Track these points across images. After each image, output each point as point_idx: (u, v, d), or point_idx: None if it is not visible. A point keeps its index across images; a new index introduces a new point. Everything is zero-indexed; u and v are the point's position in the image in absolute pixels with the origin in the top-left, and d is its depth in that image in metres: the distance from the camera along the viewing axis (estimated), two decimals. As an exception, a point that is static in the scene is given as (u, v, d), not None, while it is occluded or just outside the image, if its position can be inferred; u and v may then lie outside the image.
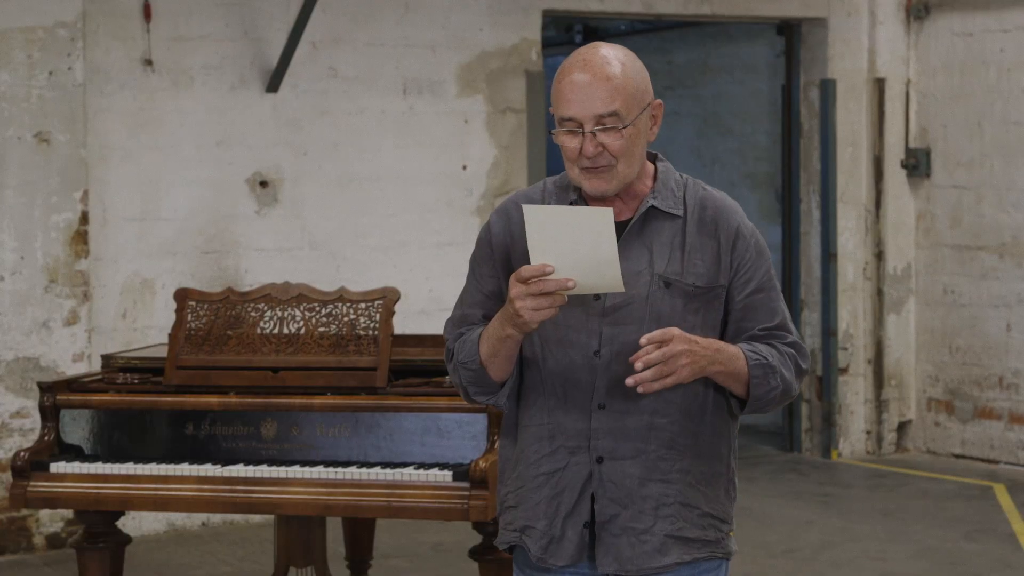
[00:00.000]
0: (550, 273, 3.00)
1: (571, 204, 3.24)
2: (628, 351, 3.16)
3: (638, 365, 3.04)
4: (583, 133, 3.13)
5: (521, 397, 3.30)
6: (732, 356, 3.17)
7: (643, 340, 3.05)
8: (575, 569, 3.26)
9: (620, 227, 3.17)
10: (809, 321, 10.12)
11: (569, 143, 3.15)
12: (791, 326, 3.30)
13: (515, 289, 3.04)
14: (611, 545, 3.22)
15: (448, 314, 3.41)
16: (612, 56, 3.15)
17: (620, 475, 3.20)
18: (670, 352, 3.04)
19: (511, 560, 3.95)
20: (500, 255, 3.29)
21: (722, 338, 3.25)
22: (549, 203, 3.27)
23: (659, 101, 3.24)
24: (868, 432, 10.19)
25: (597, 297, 3.18)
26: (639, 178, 3.23)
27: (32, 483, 5.01)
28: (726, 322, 3.27)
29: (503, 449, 3.38)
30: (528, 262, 3.05)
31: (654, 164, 3.29)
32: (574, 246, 2.99)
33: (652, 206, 3.22)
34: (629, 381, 3.06)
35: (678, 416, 3.22)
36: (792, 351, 3.27)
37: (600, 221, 2.98)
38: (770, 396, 3.22)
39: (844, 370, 10.08)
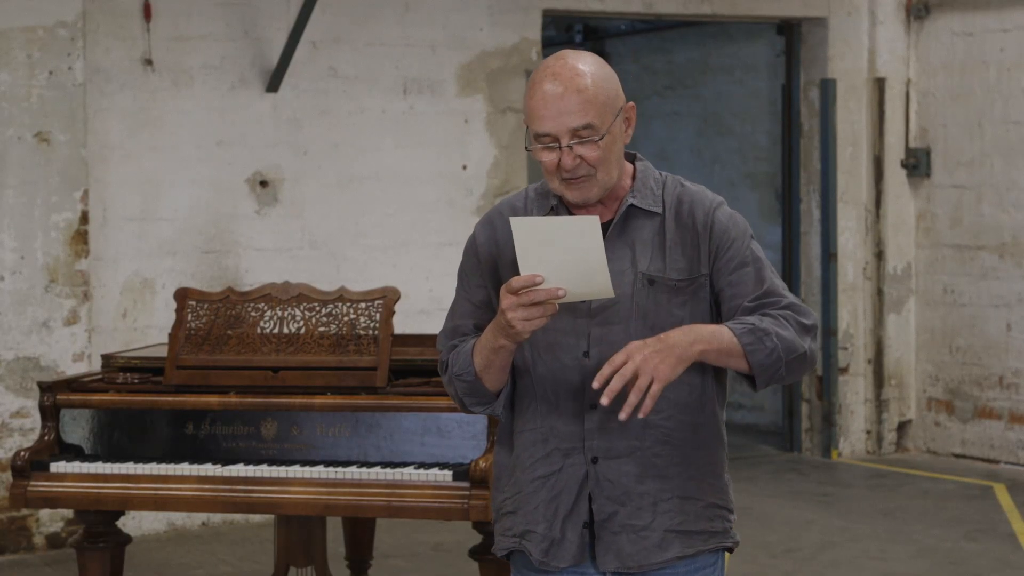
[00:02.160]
0: (540, 283, 3.01)
1: (551, 209, 3.26)
2: (617, 351, 3.16)
3: (604, 400, 3.03)
4: (560, 148, 3.14)
5: (515, 404, 3.31)
6: (713, 332, 3.12)
7: (596, 384, 3.04)
8: (577, 570, 3.26)
9: (602, 228, 3.18)
10: (809, 321, 10.10)
11: (547, 158, 3.16)
12: (784, 291, 3.24)
13: (506, 300, 3.05)
14: (611, 543, 3.22)
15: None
16: (580, 67, 3.15)
17: (616, 473, 3.21)
18: (629, 371, 3.01)
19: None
20: (487, 264, 3.31)
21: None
22: (531, 209, 3.29)
23: (631, 103, 3.24)
24: (868, 432, 10.20)
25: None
26: (618, 179, 3.24)
27: (32, 483, 5.01)
28: (720, 309, 3.25)
29: (498, 456, 3.39)
30: (516, 271, 3.06)
31: (633, 164, 3.31)
32: (562, 255, 3.00)
33: (632, 205, 3.24)
34: (622, 416, 3.03)
35: (673, 411, 3.22)
36: (788, 312, 3.19)
37: (587, 229, 3.00)
38: (773, 359, 3.14)
39: (844, 370, 10.08)
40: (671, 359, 3.05)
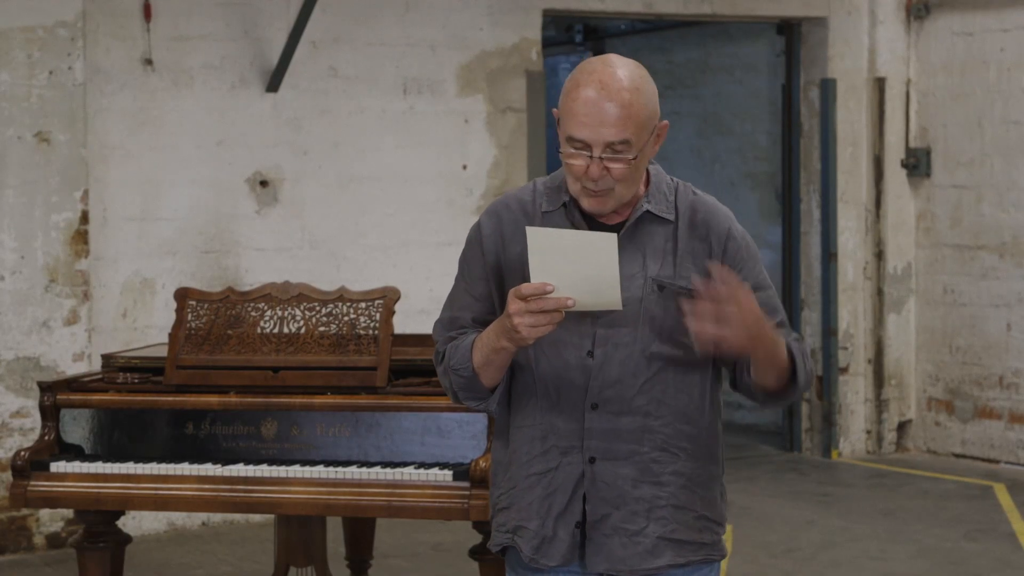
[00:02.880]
0: (550, 292, 3.01)
1: (563, 205, 3.24)
2: (621, 352, 3.18)
3: (696, 282, 3.07)
4: (591, 156, 3.11)
5: (513, 399, 3.30)
6: (776, 343, 3.18)
7: (712, 272, 3.08)
8: (567, 569, 3.26)
9: (613, 231, 3.18)
10: (809, 321, 10.12)
11: (576, 162, 3.13)
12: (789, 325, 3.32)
13: (514, 305, 3.04)
14: (602, 545, 3.22)
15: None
16: (628, 79, 3.11)
17: (612, 476, 3.21)
18: (724, 294, 3.03)
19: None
20: (491, 257, 3.29)
21: None
22: (540, 203, 3.27)
23: (665, 122, 3.21)
24: (868, 432, 10.19)
25: None
26: None
27: (32, 483, 5.01)
28: None
29: (495, 452, 3.38)
30: (519, 266, 3.06)
31: (646, 169, 3.29)
32: (576, 268, 3.00)
33: (646, 210, 3.23)
34: (697, 283, 3.09)
35: (672, 419, 3.22)
36: (803, 347, 3.30)
37: (605, 246, 2.99)
38: (799, 392, 3.26)
39: (844, 370, 10.08)
40: (742, 341, 3.07)
